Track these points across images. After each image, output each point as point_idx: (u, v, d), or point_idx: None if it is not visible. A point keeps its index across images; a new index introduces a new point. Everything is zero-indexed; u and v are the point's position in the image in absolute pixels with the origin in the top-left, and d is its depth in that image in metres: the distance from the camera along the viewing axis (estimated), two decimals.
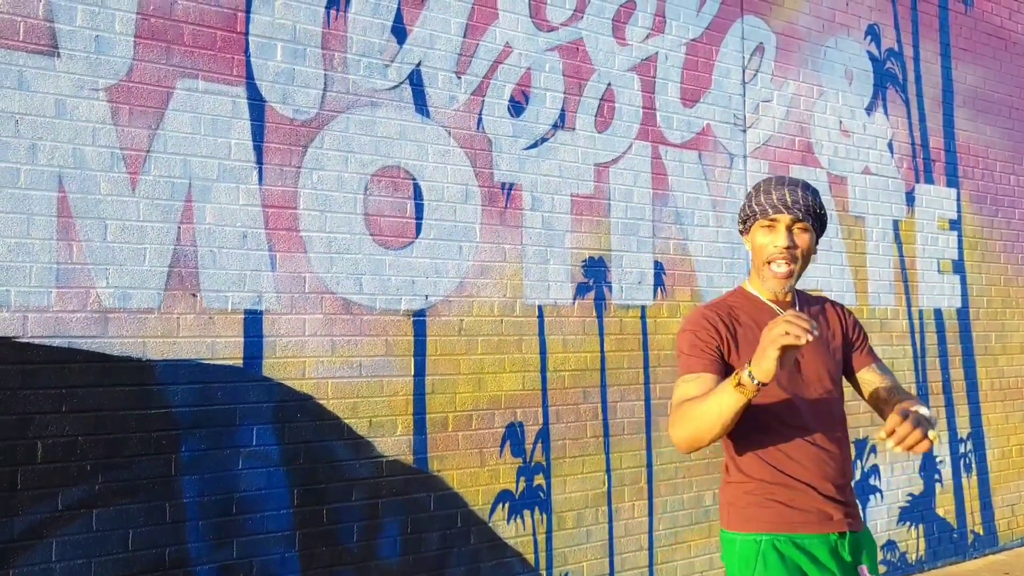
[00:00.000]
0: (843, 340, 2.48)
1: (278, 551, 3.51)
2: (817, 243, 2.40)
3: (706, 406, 2.09)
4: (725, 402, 2.04)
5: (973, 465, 6.07)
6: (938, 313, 5.95)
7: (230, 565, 3.40)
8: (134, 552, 3.22)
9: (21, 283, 3.08)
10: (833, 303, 2.57)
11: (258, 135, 3.58)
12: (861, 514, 2.44)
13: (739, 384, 1.99)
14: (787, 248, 2.32)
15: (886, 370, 2.49)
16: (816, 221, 2.35)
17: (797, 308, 2.39)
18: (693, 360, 2.27)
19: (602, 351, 4.46)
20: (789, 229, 2.32)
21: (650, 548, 4.55)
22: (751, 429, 2.26)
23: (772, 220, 2.33)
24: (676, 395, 2.25)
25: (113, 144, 3.28)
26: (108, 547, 3.18)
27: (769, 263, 2.34)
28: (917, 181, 5.91)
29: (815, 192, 2.38)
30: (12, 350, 3.05)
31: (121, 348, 3.25)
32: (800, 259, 2.34)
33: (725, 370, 2.25)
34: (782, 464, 2.27)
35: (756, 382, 1.97)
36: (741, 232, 2.46)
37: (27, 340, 3.08)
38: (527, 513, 4.16)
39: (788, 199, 2.31)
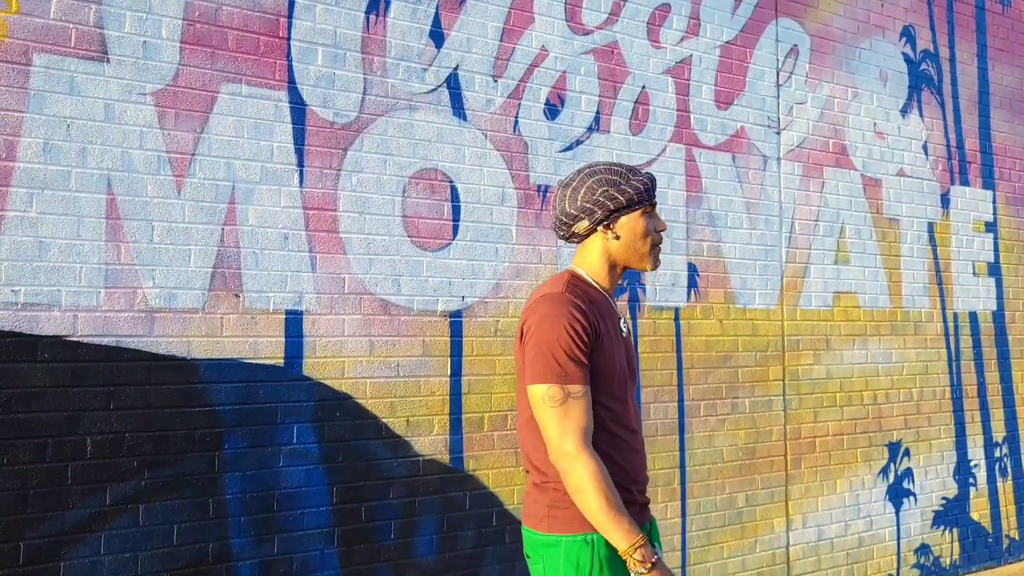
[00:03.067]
0: None
1: (317, 547, 3.57)
2: None
3: (600, 508, 2.05)
4: (609, 533, 2.06)
5: (1008, 469, 6.02)
6: (973, 316, 5.91)
7: (271, 561, 3.47)
8: (179, 546, 3.29)
9: (71, 283, 3.17)
10: None
11: (299, 138, 3.65)
12: None
13: (632, 557, 2.05)
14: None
15: None
16: None
17: (615, 305, 2.39)
18: (575, 368, 2.11)
19: (636, 352, 4.48)
20: None
21: (683, 549, 4.57)
22: (600, 430, 2.18)
23: (655, 203, 2.32)
24: (572, 415, 2.09)
25: (160, 147, 3.36)
26: (154, 541, 3.25)
27: (656, 246, 2.32)
28: (952, 183, 5.87)
29: None
30: (63, 348, 3.13)
31: (167, 347, 3.32)
32: None
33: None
34: (627, 465, 2.21)
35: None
36: (601, 221, 2.27)
37: (77, 339, 3.16)
38: None
39: (654, 183, 2.34)
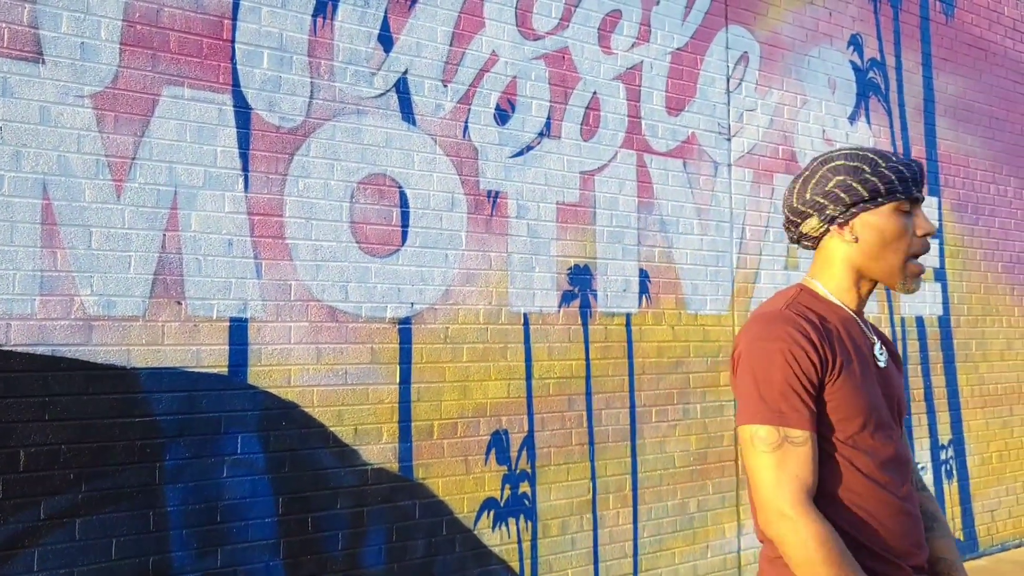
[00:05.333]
0: None
1: (263, 560, 3.50)
2: None
3: None
4: None
5: (954, 471, 6.13)
6: (919, 320, 6.00)
7: (214, 574, 3.39)
8: (118, 561, 3.20)
9: (4, 291, 3.07)
10: None
11: (244, 142, 3.58)
12: None
13: None
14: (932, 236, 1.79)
15: None
16: None
17: (869, 326, 1.89)
18: (794, 406, 1.68)
19: (587, 359, 4.47)
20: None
21: (635, 555, 4.56)
22: (827, 485, 1.72)
23: (915, 200, 1.80)
24: (790, 466, 1.66)
25: (98, 151, 3.27)
26: (91, 556, 3.16)
27: (915, 257, 1.80)
28: None
29: None
30: None
31: (105, 356, 3.23)
32: None
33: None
34: (867, 532, 1.72)
35: None
36: (835, 218, 1.81)
37: (10, 348, 3.06)
38: (512, 521, 4.16)
39: (919, 173, 1.80)
